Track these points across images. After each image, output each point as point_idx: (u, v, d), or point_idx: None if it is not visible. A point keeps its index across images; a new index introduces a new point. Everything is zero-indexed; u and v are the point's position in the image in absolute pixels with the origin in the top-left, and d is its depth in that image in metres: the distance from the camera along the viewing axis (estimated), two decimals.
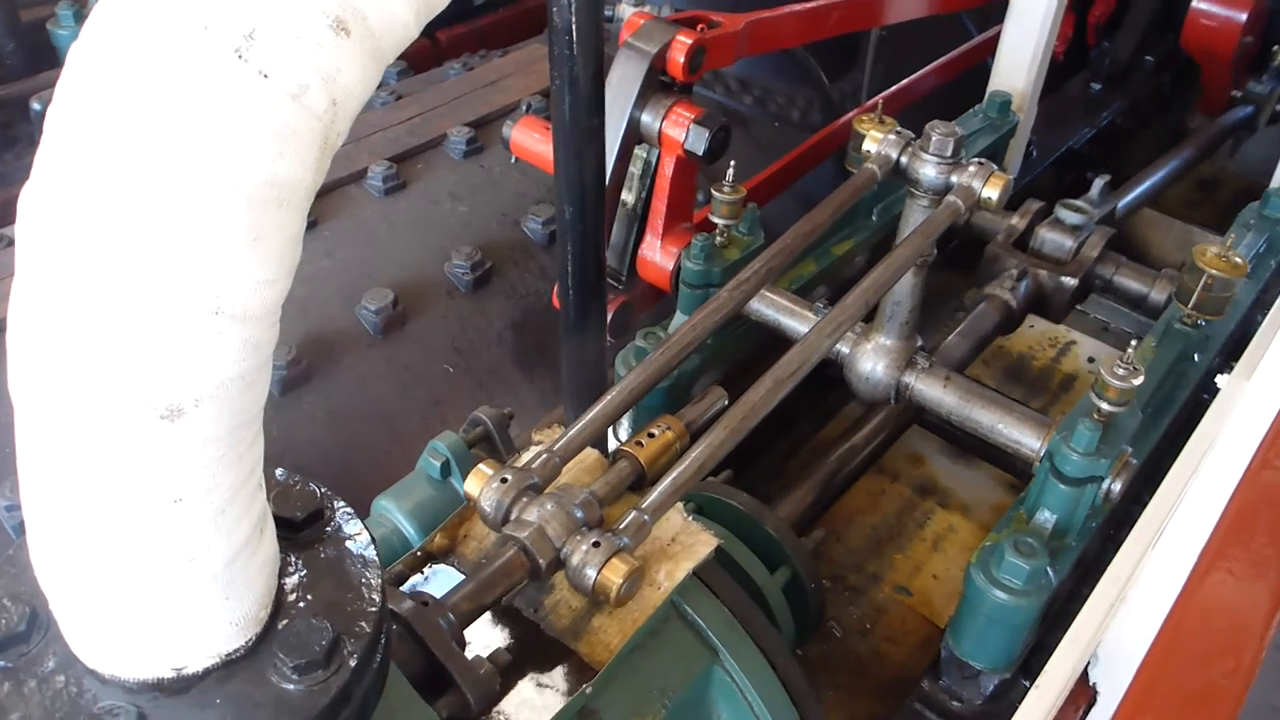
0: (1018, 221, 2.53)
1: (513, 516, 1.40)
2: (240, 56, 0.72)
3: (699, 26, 2.42)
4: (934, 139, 1.96)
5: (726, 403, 1.65)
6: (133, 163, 0.72)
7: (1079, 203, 2.51)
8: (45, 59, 3.30)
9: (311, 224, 2.63)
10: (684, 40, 2.32)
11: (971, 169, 1.95)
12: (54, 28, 3.29)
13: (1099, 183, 2.67)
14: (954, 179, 1.96)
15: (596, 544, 1.34)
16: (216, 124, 0.72)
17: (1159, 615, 1.52)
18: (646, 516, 1.41)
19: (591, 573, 1.33)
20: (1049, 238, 2.47)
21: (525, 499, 1.41)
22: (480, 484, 1.42)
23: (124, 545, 0.82)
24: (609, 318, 2.60)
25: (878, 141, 2.04)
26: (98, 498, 0.80)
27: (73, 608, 0.88)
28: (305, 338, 2.43)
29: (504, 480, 1.41)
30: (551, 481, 1.47)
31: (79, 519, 0.81)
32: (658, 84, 2.37)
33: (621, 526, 1.39)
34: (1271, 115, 3.94)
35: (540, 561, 1.35)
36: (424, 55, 3.83)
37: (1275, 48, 3.83)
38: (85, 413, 0.77)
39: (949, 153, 1.96)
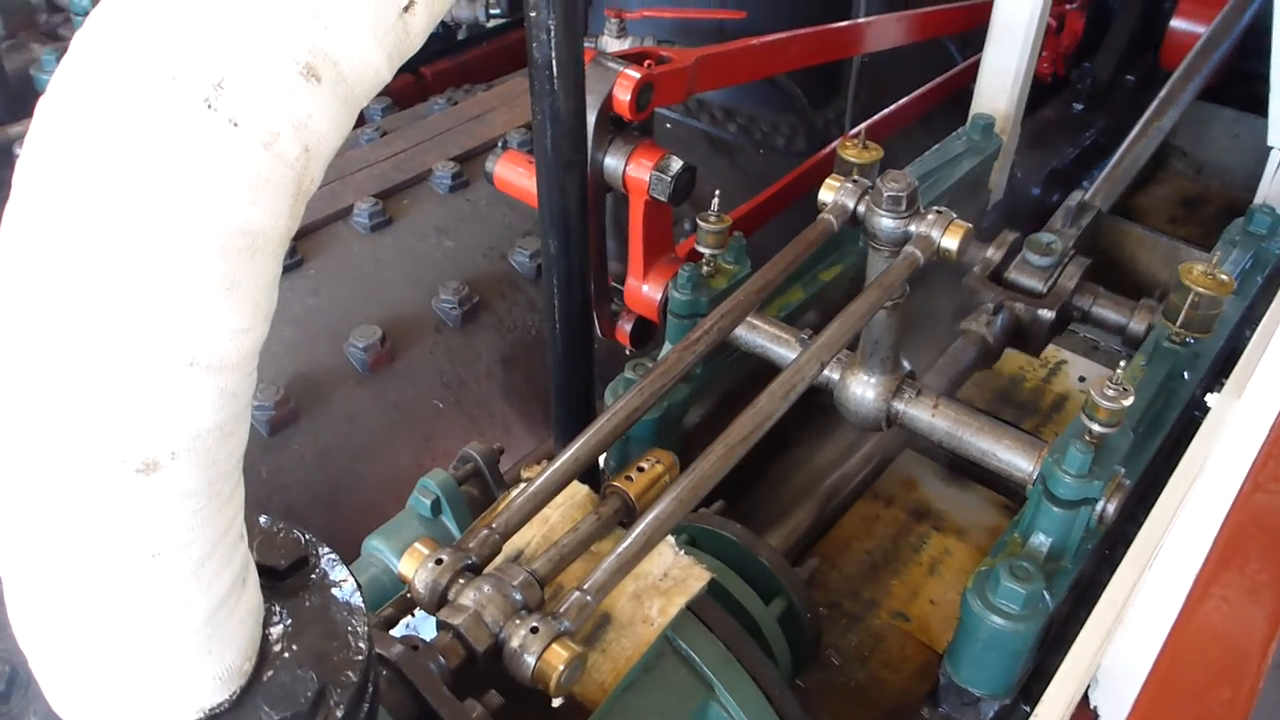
0: (993, 254, 2.49)
1: (449, 599, 1.34)
2: (210, 106, 0.72)
3: (646, 63, 2.33)
4: (886, 194, 1.89)
5: (679, 468, 1.60)
6: (103, 214, 0.71)
7: (1049, 236, 2.45)
8: (28, 105, 3.29)
9: (298, 263, 2.62)
10: (630, 76, 2.23)
11: (930, 218, 1.89)
12: (37, 73, 3.30)
13: (1067, 206, 2.61)
14: (912, 228, 1.91)
15: (535, 629, 1.28)
16: (187, 174, 0.72)
17: (1157, 640, 1.50)
18: (589, 597, 1.34)
19: (530, 659, 1.26)
20: (1022, 274, 2.43)
21: (462, 580, 1.35)
22: (414, 565, 1.37)
23: (102, 602, 0.81)
24: (629, 329, 2.57)
25: (833, 190, 1.98)
26: (74, 554, 0.78)
27: (52, 666, 0.86)
28: (293, 377, 2.42)
29: (439, 561, 1.36)
30: (491, 560, 1.40)
31: (55, 576, 0.80)
32: (613, 126, 2.29)
33: (562, 609, 1.32)
34: None
35: (476, 649, 1.28)
36: (408, 90, 3.85)
37: None
38: (59, 468, 0.75)
39: (903, 207, 1.89)
